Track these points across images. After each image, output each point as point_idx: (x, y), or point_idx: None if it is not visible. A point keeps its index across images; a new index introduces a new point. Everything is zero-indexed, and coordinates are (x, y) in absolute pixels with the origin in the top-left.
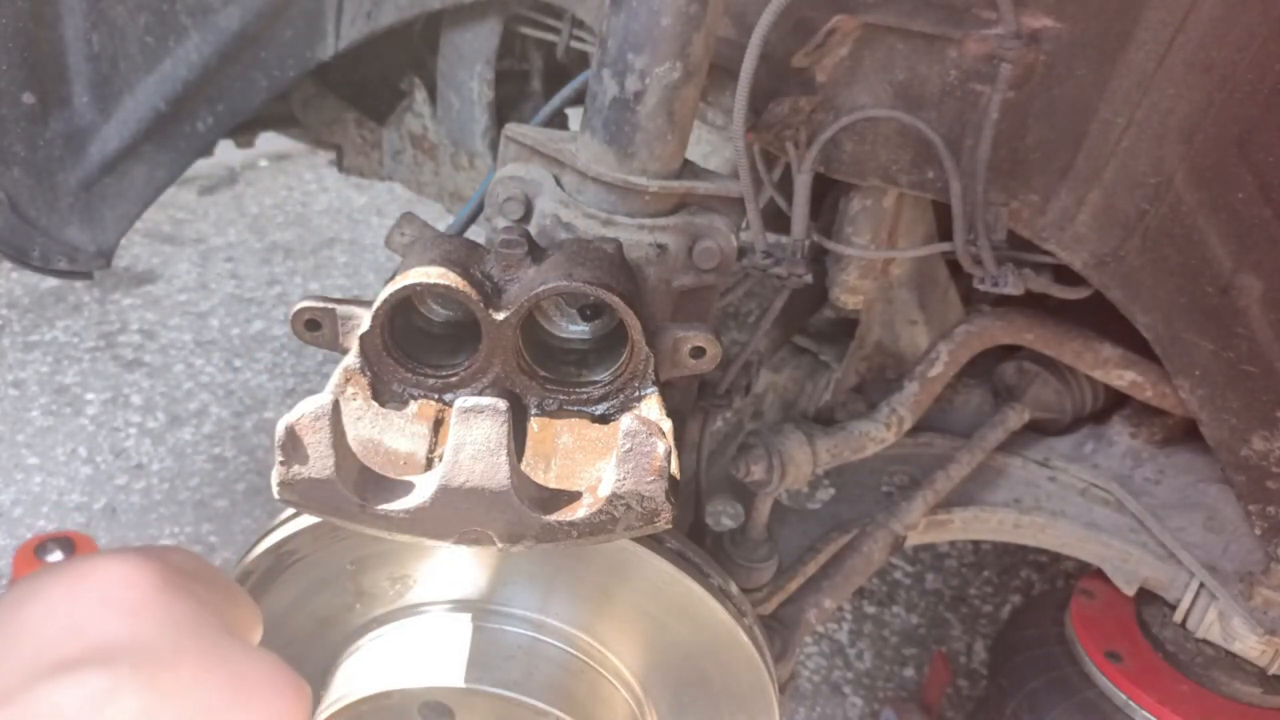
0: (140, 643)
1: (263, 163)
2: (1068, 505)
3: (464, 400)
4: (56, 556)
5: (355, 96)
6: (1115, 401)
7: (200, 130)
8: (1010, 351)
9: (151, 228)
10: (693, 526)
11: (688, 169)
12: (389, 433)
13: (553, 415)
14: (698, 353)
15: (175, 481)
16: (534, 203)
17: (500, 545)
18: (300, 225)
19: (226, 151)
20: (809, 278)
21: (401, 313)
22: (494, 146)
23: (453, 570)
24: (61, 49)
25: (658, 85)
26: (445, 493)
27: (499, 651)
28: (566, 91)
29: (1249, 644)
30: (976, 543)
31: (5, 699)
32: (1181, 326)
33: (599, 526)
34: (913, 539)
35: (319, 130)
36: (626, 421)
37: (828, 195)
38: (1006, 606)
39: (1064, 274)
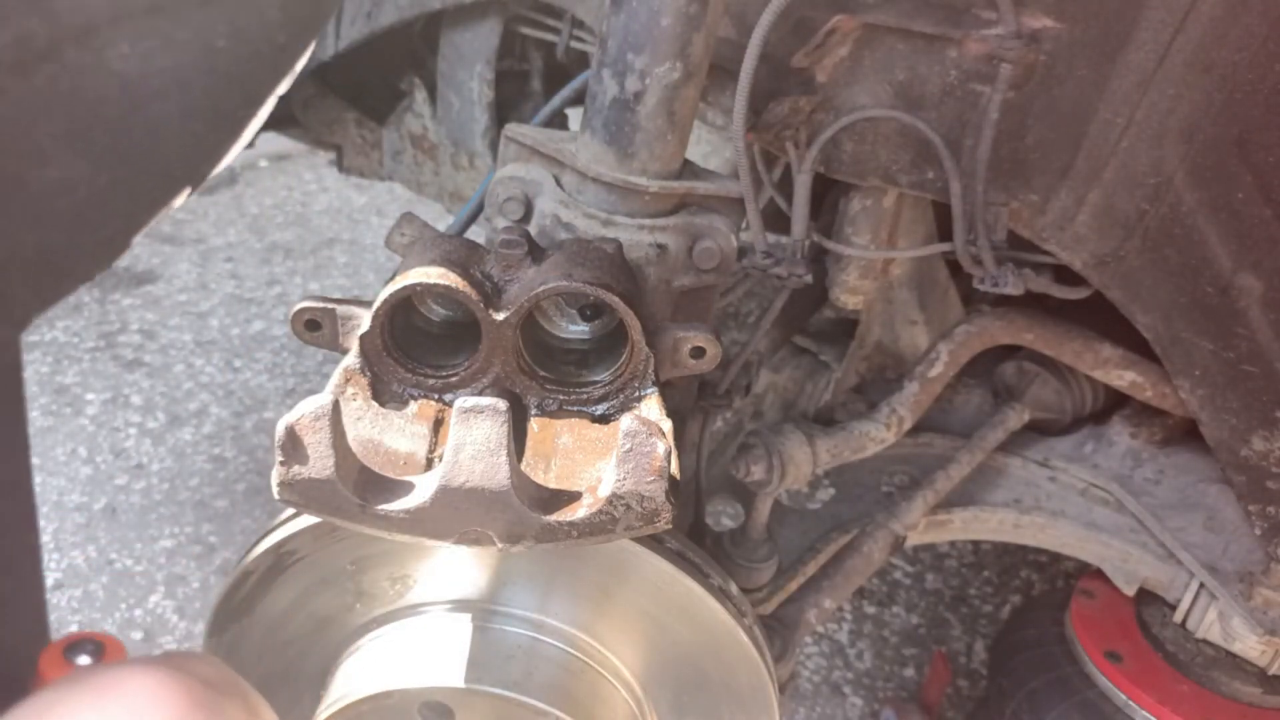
0: None
1: (263, 163)
2: (1068, 505)
3: (464, 400)
4: (85, 660)
5: (355, 96)
6: (1115, 401)
7: None
8: (1010, 351)
9: (151, 228)
10: (693, 526)
11: (688, 169)
12: (389, 433)
13: (553, 415)
14: (698, 353)
15: (175, 481)
16: (534, 203)
17: (500, 545)
18: (300, 225)
19: None
20: (809, 278)
21: (401, 313)
22: (494, 146)
23: (452, 570)
24: None
25: (658, 85)
26: (445, 493)
27: (499, 651)
28: (566, 91)
29: (1249, 644)
30: (976, 543)
31: None
32: (1181, 326)
33: (599, 526)
34: (913, 539)
35: (319, 130)
36: (626, 421)
37: (828, 195)
38: (1006, 606)
39: (1064, 274)
